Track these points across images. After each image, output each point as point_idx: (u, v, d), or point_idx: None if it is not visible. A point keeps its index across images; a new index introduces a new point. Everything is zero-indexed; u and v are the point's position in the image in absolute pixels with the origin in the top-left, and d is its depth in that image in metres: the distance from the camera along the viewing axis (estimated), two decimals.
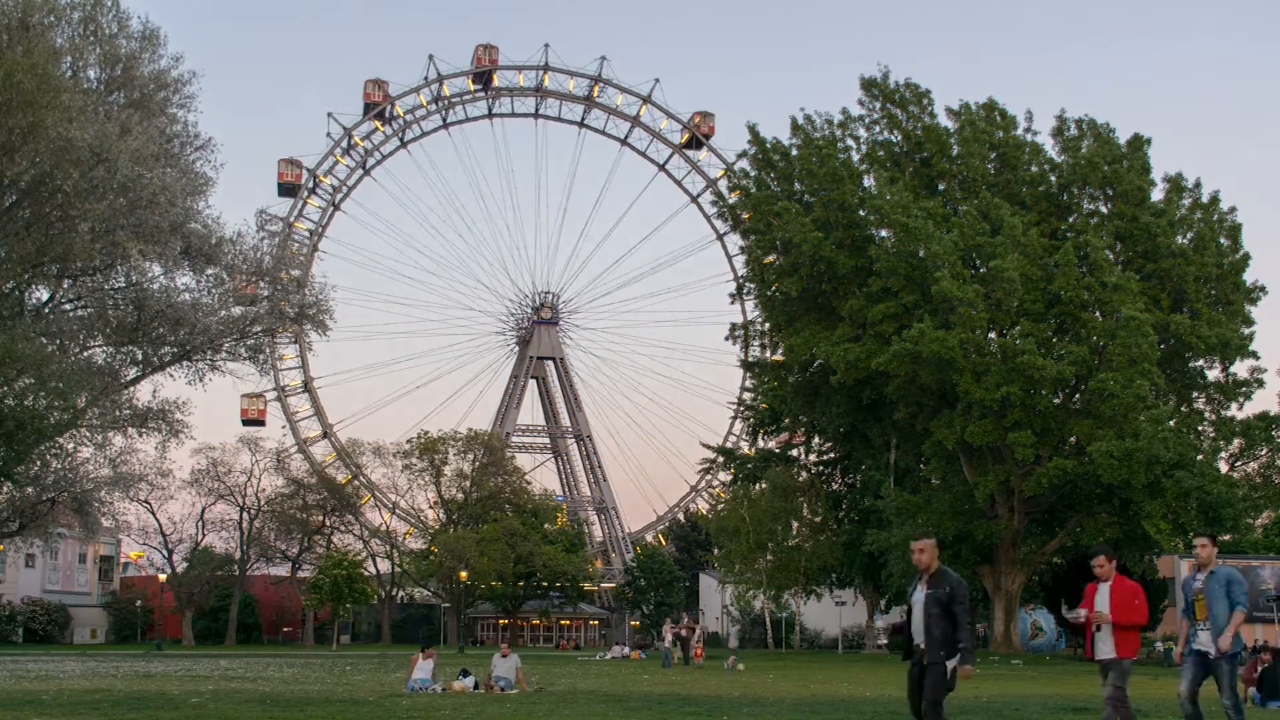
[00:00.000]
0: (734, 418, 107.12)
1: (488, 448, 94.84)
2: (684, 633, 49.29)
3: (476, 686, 26.80)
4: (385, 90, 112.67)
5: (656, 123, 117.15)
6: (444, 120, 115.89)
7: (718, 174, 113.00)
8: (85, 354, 36.14)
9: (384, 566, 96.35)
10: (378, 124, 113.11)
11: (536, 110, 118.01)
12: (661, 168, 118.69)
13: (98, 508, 42.22)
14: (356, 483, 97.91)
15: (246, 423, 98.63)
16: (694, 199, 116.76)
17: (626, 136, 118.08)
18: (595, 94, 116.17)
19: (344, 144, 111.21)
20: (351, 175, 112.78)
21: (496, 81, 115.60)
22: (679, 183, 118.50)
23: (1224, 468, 55.39)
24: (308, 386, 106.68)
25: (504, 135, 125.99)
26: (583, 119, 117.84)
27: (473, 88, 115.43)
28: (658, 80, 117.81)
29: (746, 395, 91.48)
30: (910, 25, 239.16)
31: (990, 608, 61.26)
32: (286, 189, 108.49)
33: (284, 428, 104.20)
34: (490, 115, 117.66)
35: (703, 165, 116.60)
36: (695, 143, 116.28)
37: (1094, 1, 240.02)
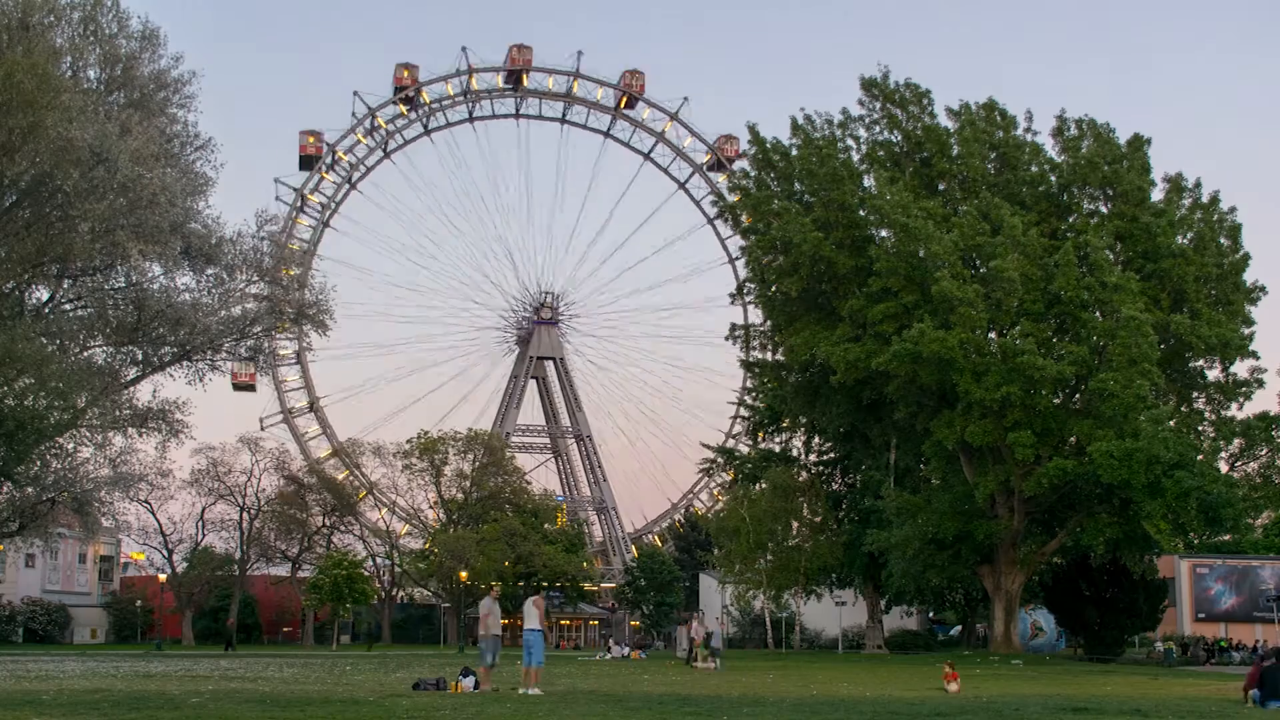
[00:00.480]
0: (734, 418, 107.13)
1: (488, 448, 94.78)
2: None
3: (477, 686, 26.78)
4: (415, 75, 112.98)
5: (681, 141, 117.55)
6: (470, 113, 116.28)
7: (737, 198, 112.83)
8: (85, 354, 36.13)
9: (384, 567, 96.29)
10: (403, 108, 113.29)
11: (564, 115, 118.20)
12: (681, 186, 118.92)
13: (98, 508, 42.19)
14: (357, 483, 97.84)
15: (237, 387, 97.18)
16: (710, 221, 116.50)
17: (650, 151, 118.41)
18: (623, 106, 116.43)
19: (367, 124, 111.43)
20: (371, 155, 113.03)
21: (527, 82, 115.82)
22: (697, 203, 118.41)
23: (1224, 468, 55.40)
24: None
25: (528, 135, 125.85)
26: (609, 129, 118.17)
27: (502, 85, 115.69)
28: (686, 99, 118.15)
29: (746, 395, 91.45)
30: (910, 25, 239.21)
31: (990, 608, 61.27)
32: (306, 160, 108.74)
33: (276, 408, 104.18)
34: (517, 115, 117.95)
35: (723, 188, 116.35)
36: (718, 165, 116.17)
37: (1095, 2, 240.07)
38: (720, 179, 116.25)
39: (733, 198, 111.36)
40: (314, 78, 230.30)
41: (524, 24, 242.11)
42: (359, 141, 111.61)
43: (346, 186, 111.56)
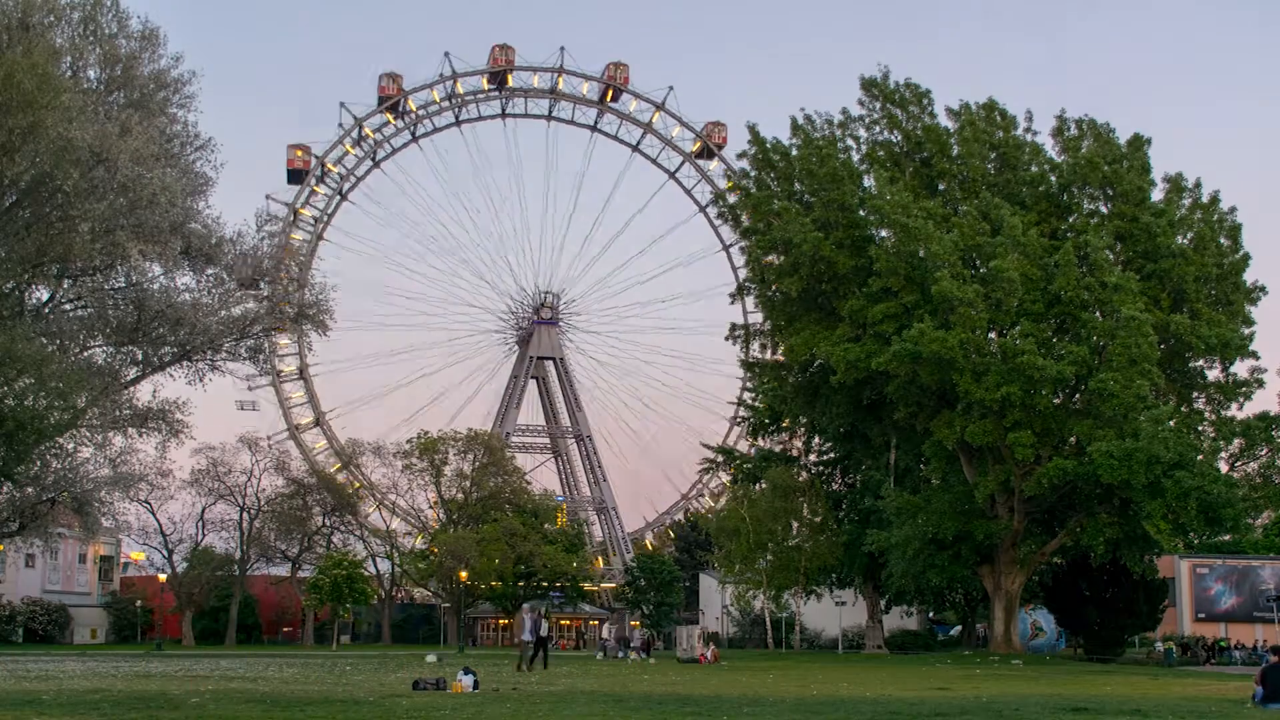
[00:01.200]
0: (734, 418, 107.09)
1: (488, 448, 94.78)
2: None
3: (477, 685, 26.78)
4: (399, 84, 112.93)
5: (669, 130, 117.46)
6: (456, 117, 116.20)
7: (728, 184, 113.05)
8: (85, 354, 36.10)
9: (384, 566, 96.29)
10: (390, 117, 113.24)
11: (550, 112, 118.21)
12: (672, 175, 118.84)
13: (98, 508, 42.15)
14: (356, 483, 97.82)
15: (242, 406, 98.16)
16: (702, 209, 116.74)
17: (638, 143, 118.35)
18: (608, 99, 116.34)
19: (355, 134, 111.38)
20: (360, 165, 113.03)
21: (511, 82, 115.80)
22: (689, 191, 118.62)
23: (1224, 468, 55.36)
24: (303, 374, 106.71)
25: (516, 135, 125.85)
26: (595, 123, 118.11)
27: (487, 87, 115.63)
28: (672, 88, 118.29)
29: (746, 395, 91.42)
30: (910, 25, 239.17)
31: (990, 608, 61.26)
32: (295, 175, 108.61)
33: (281, 425, 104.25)
34: (503, 115, 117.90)
35: (713, 175, 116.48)
36: (707, 152, 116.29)
37: (1095, 2, 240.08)
38: (711, 166, 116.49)
39: (723, 183, 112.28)
40: (300, 90, 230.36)
41: (506, 24, 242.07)
42: (347, 152, 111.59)
43: (337, 198, 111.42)
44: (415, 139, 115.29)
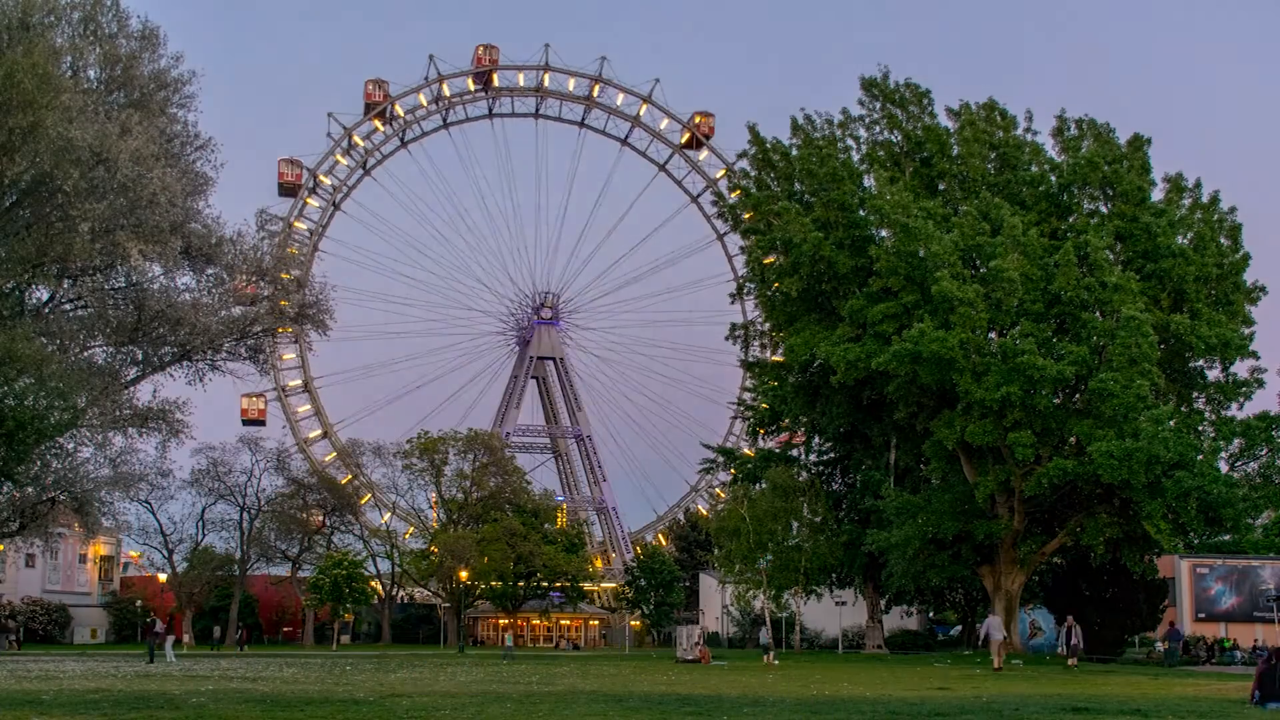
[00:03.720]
0: (734, 418, 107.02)
1: (488, 448, 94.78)
2: None
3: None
4: (385, 90, 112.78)
5: (656, 123, 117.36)
6: (444, 120, 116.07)
7: (718, 174, 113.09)
8: (85, 354, 36.11)
9: (384, 566, 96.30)
10: (378, 124, 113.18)
11: (537, 110, 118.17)
12: (662, 168, 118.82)
13: (98, 508, 42.15)
14: (357, 483, 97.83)
15: (247, 423, 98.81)
16: (694, 199, 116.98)
17: (627, 136, 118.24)
18: (595, 94, 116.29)
19: (344, 144, 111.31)
20: (351, 175, 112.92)
21: (497, 81, 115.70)
22: (679, 183, 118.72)
23: (1224, 468, 55.36)
24: (308, 387, 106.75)
25: (504, 135, 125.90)
26: (583, 119, 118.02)
27: (473, 88, 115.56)
28: (658, 80, 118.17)
29: (746, 395, 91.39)
30: (910, 25, 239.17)
31: (990, 608, 61.22)
32: (287, 189, 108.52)
33: (284, 428, 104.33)
34: (491, 115, 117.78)
35: (703, 165, 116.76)
36: (695, 143, 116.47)
37: (1096, 2, 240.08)
38: (700, 156, 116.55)
39: (714, 173, 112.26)
40: (288, 101, 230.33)
41: (491, 23, 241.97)
42: (338, 163, 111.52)
43: (331, 209, 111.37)
44: (404, 144, 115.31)
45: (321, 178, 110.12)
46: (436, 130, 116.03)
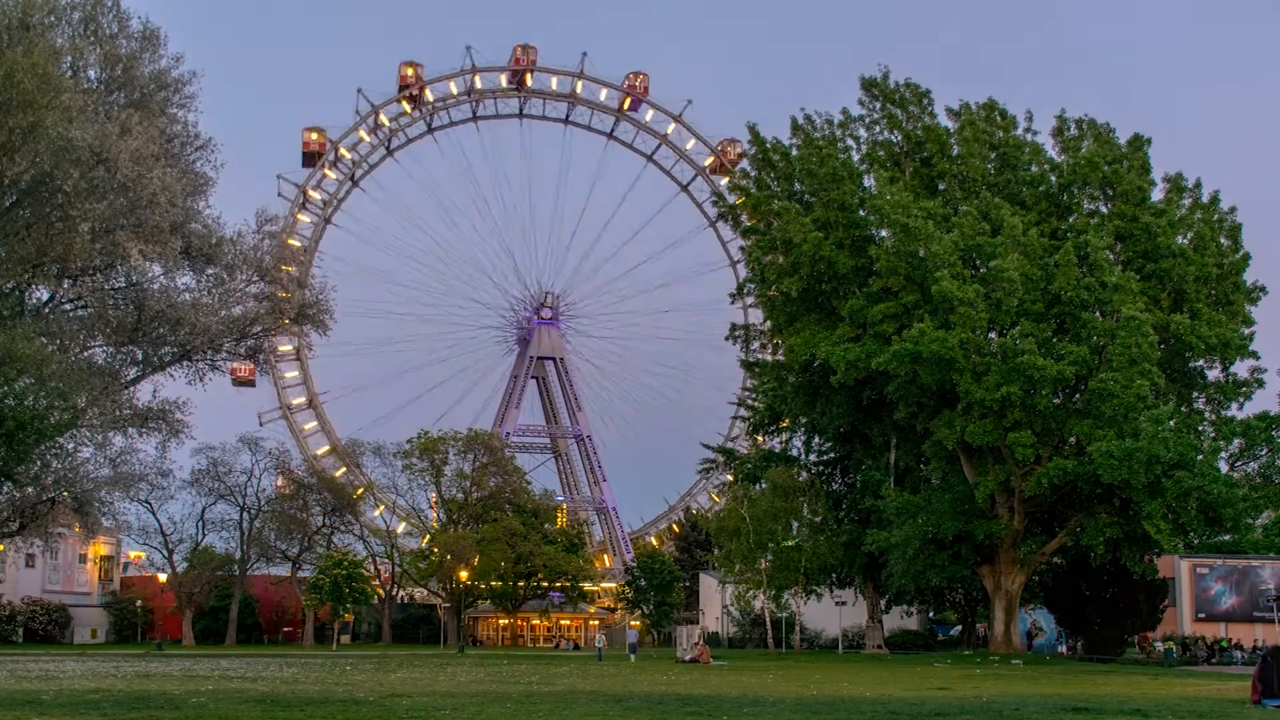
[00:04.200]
0: (734, 418, 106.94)
1: (488, 448, 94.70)
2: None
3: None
4: (419, 74, 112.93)
5: (684, 143, 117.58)
6: (474, 113, 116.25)
7: (738, 200, 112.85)
8: (85, 354, 36.12)
9: (384, 566, 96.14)
10: (406, 106, 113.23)
11: (567, 117, 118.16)
12: (684, 188, 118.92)
13: (98, 508, 42.16)
14: (356, 482, 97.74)
15: (237, 383, 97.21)
16: (712, 223, 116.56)
17: (653, 153, 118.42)
18: (626, 107, 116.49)
19: (370, 121, 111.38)
20: (374, 153, 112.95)
21: (530, 82, 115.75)
22: (699, 205, 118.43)
23: (1224, 468, 55.36)
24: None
25: (531, 136, 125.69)
26: (612, 130, 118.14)
27: (506, 85, 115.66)
28: (690, 101, 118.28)
29: (746, 395, 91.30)
30: (910, 25, 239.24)
31: (990, 608, 61.25)
32: (310, 157, 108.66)
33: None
34: (521, 115, 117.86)
35: (725, 191, 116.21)
36: (721, 168, 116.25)
37: (1096, 2, 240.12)
38: (723, 181, 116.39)
39: (734, 200, 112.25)
40: (318, 75, 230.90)
41: (529, 23, 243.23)
42: (362, 139, 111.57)
43: (349, 184, 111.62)
44: (431, 130, 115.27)
45: (343, 151, 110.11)
46: (464, 121, 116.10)
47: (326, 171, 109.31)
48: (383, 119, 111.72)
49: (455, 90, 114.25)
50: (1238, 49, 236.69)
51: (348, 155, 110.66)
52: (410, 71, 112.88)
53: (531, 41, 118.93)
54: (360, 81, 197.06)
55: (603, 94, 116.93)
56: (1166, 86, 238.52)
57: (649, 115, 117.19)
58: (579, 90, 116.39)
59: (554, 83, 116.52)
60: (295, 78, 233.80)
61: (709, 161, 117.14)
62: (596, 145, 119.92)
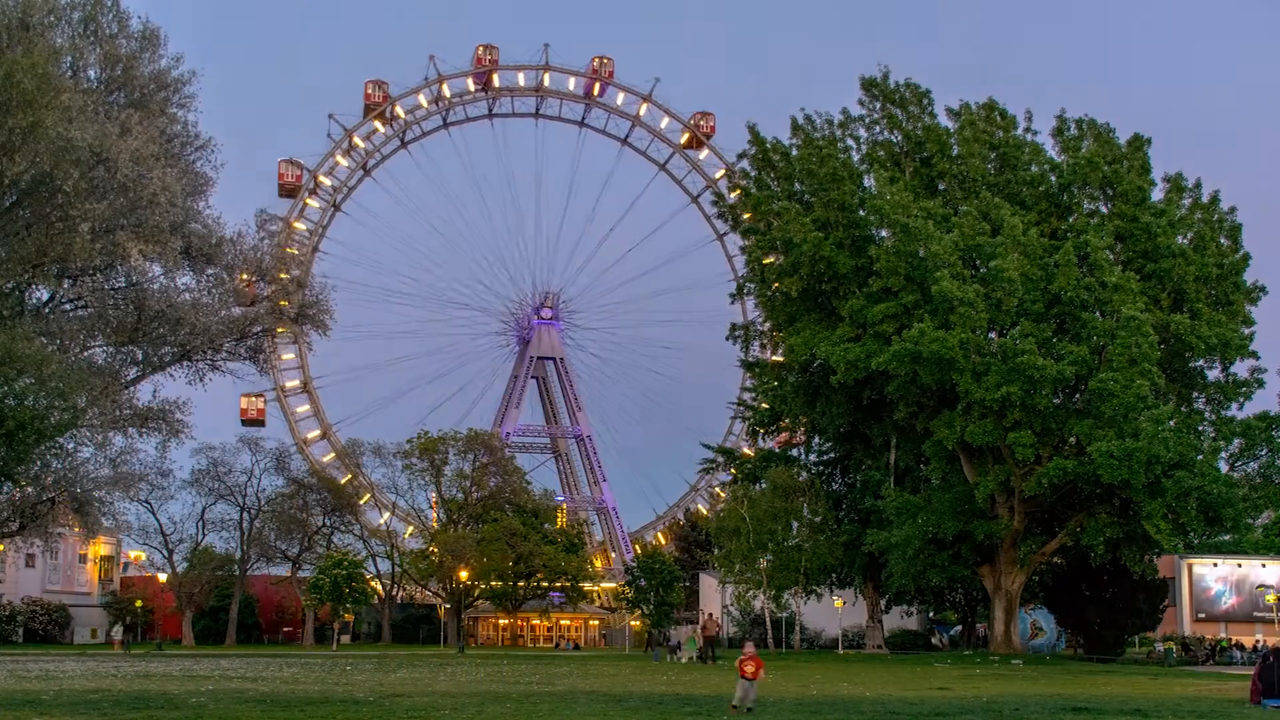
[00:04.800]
0: (734, 418, 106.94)
1: (488, 448, 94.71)
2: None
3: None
4: (385, 91, 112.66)
5: (657, 122, 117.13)
6: (444, 120, 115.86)
7: (718, 174, 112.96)
8: (85, 354, 36.16)
9: (384, 566, 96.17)
10: (378, 125, 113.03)
11: (537, 110, 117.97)
12: (662, 167, 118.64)
13: (98, 508, 42.19)
14: (357, 483, 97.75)
15: (246, 423, 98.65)
16: (694, 199, 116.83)
17: (627, 136, 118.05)
18: (595, 93, 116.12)
19: (344, 145, 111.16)
20: (352, 176, 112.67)
21: (497, 82, 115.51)
22: (679, 182, 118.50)
23: (1224, 468, 55.37)
24: (307, 387, 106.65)
25: (504, 135, 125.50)
26: (583, 118, 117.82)
27: (473, 88, 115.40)
28: (658, 79, 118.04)
29: (746, 395, 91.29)
30: (911, 25, 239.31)
31: (990, 608, 61.24)
32: (287, 190, 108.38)
33: (281, 420, 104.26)
34: (491, 115, 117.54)
35: (703, 164, 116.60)
36: (696, 142, 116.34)
37: (1096, 2, 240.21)
38: (700, 155, 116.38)
39: (714, 173, 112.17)
40: (288, 104, 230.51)
41: (490, 23, 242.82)
42: (338, 164, 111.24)
43: (331, 210, 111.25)
44: (405, 144, 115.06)
45: (321, 179, 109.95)
46: (436, 130, 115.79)
47: (307, 201, 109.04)
48: (356, 141, 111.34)
49: (424, 101, 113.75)
50: (1238, 49, 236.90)
51: (327, 182, 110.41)
52: (376, 89, 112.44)
53: (495, 39, 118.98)
54: (332, 105, 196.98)
55: (570, 83, 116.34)
56: (1166, 87, 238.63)
57: (620, 98, 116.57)
58: (546, 82, 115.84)
59: (520, 79, 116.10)
60: (265, 107, 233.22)
61: (684, 137, 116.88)
62: (570, 135, 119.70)
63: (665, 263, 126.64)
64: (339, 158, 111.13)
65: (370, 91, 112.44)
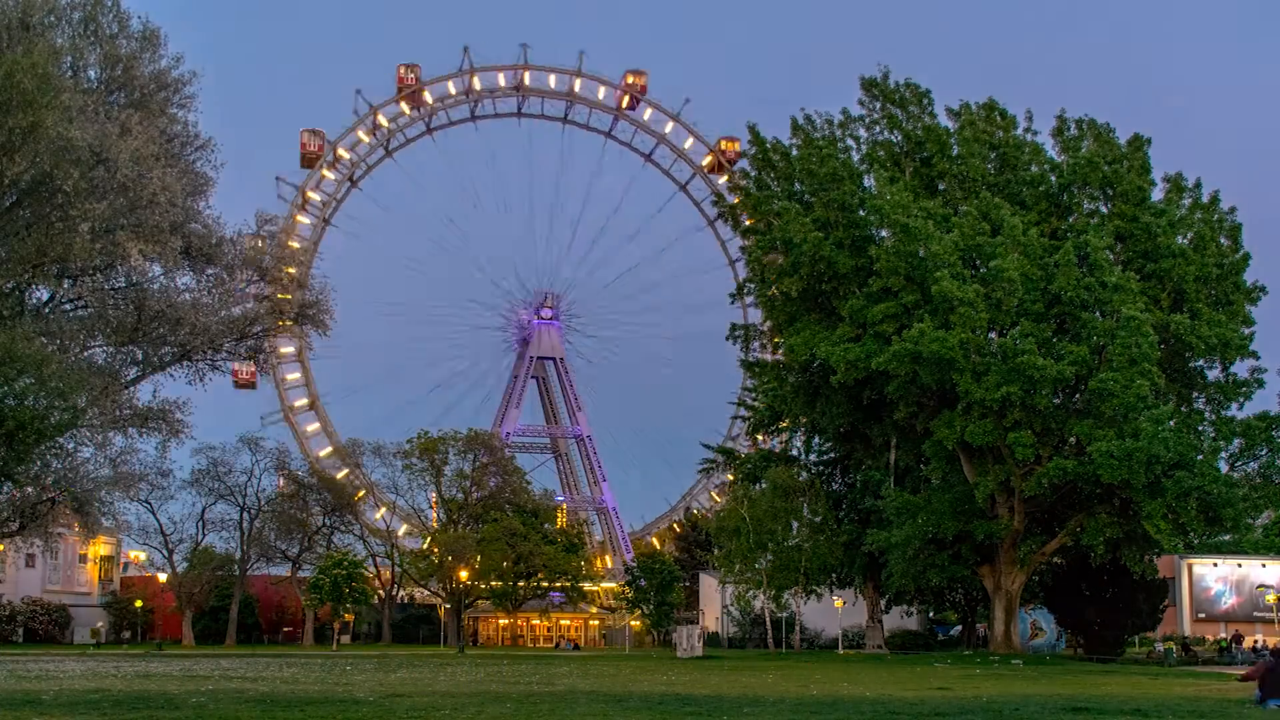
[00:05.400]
0: (734, 418, 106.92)
1: (487, 448, 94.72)
2: None
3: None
4: (417, 75, 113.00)
5: (682, 142, 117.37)
6: (472, 113, 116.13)
7: (736, 199, 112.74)
8: (85, 354, 36.15)
9: (384, 567, 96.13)
10: (405, 107, 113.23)
11: (565, 115, 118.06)
12: (682, 187, 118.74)
13: (98, 508, 42.16)
14: (357, 483, 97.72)
15: (238, 385, 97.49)
16: (711, 223, 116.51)
17: (651, 152, 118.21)
18: (624, 105, 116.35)
19: (369, 122, 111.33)
20: (372, 154, 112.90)
21: (528, 81, 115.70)
22: (698, 204, 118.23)
23: (1224, 468, 55.39)
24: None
25: (530, 136, 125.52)
26: (610, 129, 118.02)
27: (504, 84, 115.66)
28: (688, 100, 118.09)
29: (746, 395, 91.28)
30: (916, 24, 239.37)
31: (990, 608, 61.25)
32: (308, 159, 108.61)
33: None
34: (519, 114, 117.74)
35: (723, 190, 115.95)
36: (719, 167, 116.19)
37: (1095, 2, 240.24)
38: (721, 180, 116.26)
39: (733, 199, 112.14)
40: (316, 77, 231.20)
41: (527, 24, 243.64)
42: (361, 140, 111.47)
43: (348, 185, 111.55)
44: (429, 130, 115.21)
45: (341, 152, 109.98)
46: (463, 121, 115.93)
47: (325, 173, 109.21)
48: (381, 120, 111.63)
49: (453, 90, 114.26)
50: (1238, 49, 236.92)
51: (346, 156, 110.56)
52: (408, 73, 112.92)
53: (529, 41, 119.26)
54: (360, 83, 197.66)
55: (601, 92, 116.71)
56: (1166, 87, 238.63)
57: (647, 114, 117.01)
58: (577, 88, 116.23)
59: (552, 81, 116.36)
60: (294, 79, 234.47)
61: (707, 160, 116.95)
62: (595, 144, 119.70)
63: (674, 277, 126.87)
64: (361, 134, 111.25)
65: (402, 74, 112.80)
